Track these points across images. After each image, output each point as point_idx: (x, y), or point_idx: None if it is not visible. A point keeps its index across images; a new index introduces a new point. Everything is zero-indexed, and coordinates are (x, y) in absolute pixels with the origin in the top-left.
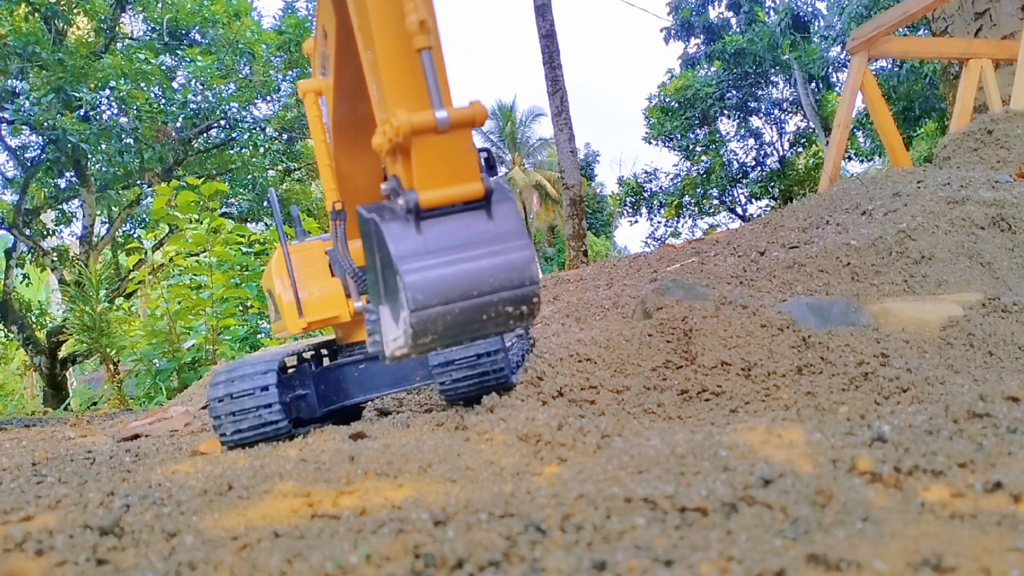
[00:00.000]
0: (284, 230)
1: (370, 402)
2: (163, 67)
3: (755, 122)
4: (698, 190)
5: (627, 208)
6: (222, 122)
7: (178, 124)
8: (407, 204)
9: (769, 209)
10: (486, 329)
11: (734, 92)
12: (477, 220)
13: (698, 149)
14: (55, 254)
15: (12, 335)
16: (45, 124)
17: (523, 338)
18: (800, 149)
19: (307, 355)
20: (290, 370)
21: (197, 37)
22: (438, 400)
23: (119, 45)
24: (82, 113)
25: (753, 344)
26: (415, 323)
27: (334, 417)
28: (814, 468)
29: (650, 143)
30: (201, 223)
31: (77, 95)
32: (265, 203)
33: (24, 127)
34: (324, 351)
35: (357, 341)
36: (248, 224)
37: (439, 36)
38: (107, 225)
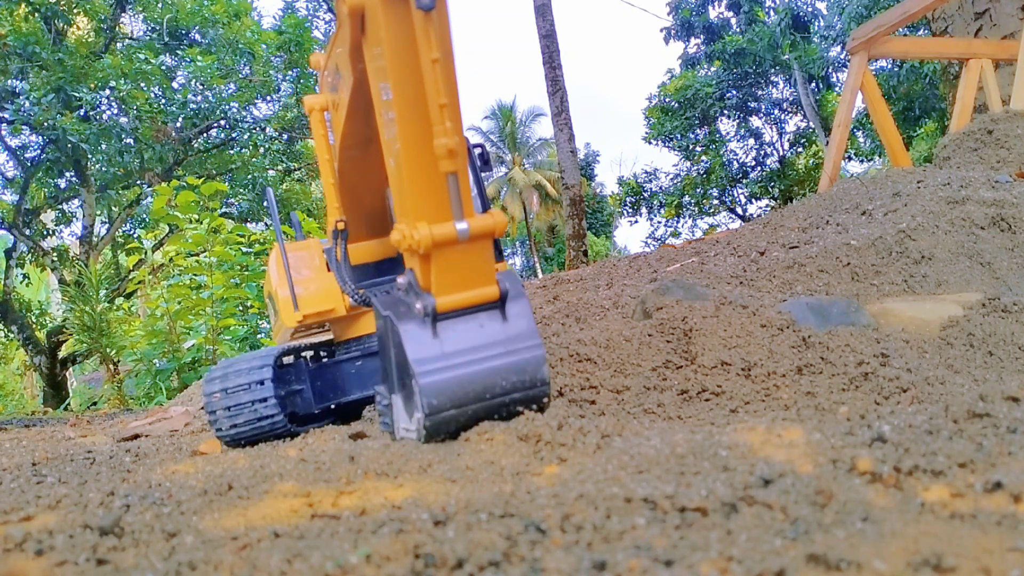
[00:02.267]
0: (282, 228)
1: (368, 401)
2: (163, 67)
3: (755, 122)
4: (698, 190)
5: (627, 208)
6: (222, 122)
7: (178, 124)
8: (425, 309)
9: (769, 209)
10: (495, 417)
11: (734, 92)
12: (491, 321)
13: (698, 149)
14: (55, 254)
15: (12, 335)
16: (45, 124)
17: None
18: (800, 149)
19: (304, 352)
20: (286, 365)
21: (197, 37)
22: None
23: (119, 45)
24: (82, 113)
25: (753, 344)
26: (429, 426)
27: (332, 415)
28: (814, 468)
29: (650, 143)
30: (201, 223)
31: (77, 95)
32: (264, 203)
33: (24, 127)
34: (322, 351)
35: (354, 338)
36: (248, 224)
37: (465, 156)
38: (107, 225)
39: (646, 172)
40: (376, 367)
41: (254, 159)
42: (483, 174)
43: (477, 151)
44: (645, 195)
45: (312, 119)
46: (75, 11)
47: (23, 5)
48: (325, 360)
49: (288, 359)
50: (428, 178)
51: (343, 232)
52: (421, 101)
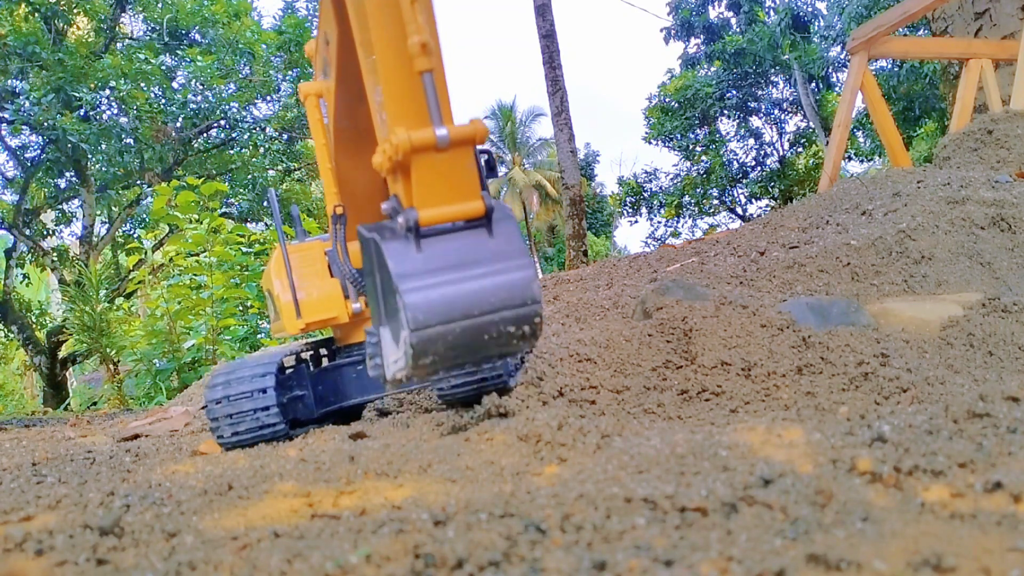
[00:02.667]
0: (284, 230)
1: (369, 403)
2: (163, 67)
3: (755, 122)
4: (698, 190)
5: (627, 208)
6: (222, 122)
7: (178, 124)
8: (407, 222)
9: (769, 209)
10: (488, 351)
11: (734, 92)
12: (478, 239)
13: (698, 149)
14: (55, 254)
15: (12, 335)
16: (45, 124)
17: None
18: (800, 149)
19: (305, 355)
20: (288, 370)
21: (197, 37)
22: (438, 400)
23: (119, 45)
24: (82, 113)
25: (753, 344)
26: (415, 343)
27: (332, 418)
28: (814, 468)
29: (650, 143)
30: (201, 223)
31: (77, 95)
32: (265, 203)
33: (24, 127)
34: (323, 351)
35: (355, 342)
36: (248, 224)
37: (441, 55)
38: (107, 225)
39: (646, 172)
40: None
41: (254, 159)
42: (489, 180)
43: (484, 156)
44: (645, 195)
45: (307, 105)
46: (75, 11)
47: (23, 5)
48: (327, 365)
49: (290, 361)
50: (405, 82)
51: (341, 217)
52: (395, 9)
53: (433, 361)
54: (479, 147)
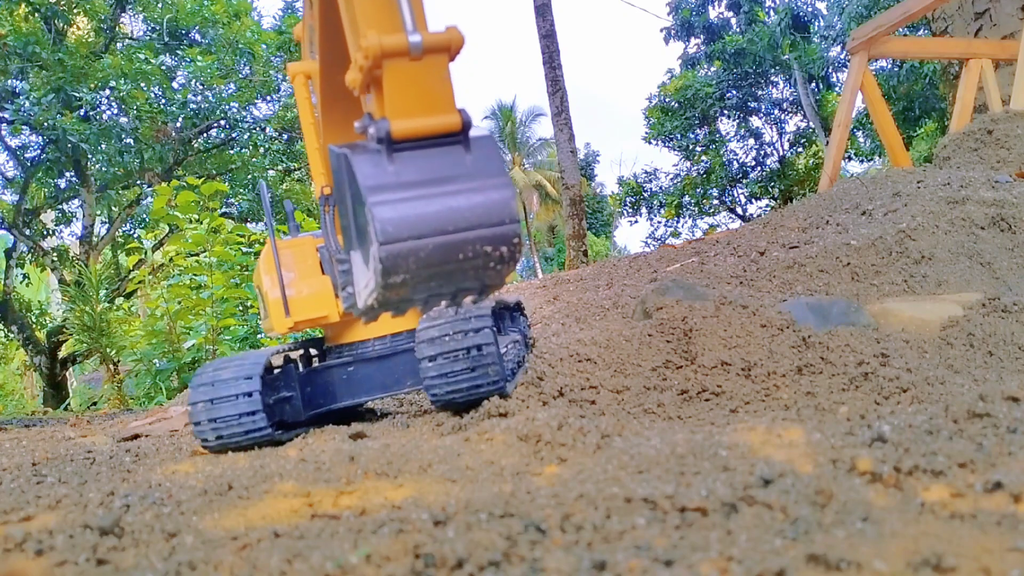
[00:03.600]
0: (274, 224)
1: (360, 407)
2: (163, 67)
3: (755, 122)
4: (698, 190)
5: (627, 208)
6: (222, 122)
7: (178, 124)
8: (378, 133)
9: (769, 209)
10: (464, 274)
11: (734, 92)
12: (453, 155)
13: (698, 149)
14: (55, 254)
15: (12, 335)
16: (45, 124)
17: (520, 343)
18: (800, 149)
19: (294, 355)
20: (275, 371)
21: (197, 37)
22: (432, 404)
23: (119, 45)
24: (82, 113)
25: (753, 344)
26: (384, 257)
27: (321, 422)
28: (814, 468)
29: (650, 143)
30: (201, 223)
31: (77, 95)
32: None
33: (24, 127)
34: (313, 350)
35: (347, 342)
36: (248, 224)
37: None
38: (107, 225)
39: (646, 172)
40: (369, 372)
41: (254, 159)
42: None
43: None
44: (645, 195)
45: (295, 84)
46: (75, 11)
47: (23, 5)
48: (316, 365)
49: (278, 362)
50: None
51: (330, 198)
52: None
53: (404, 281)
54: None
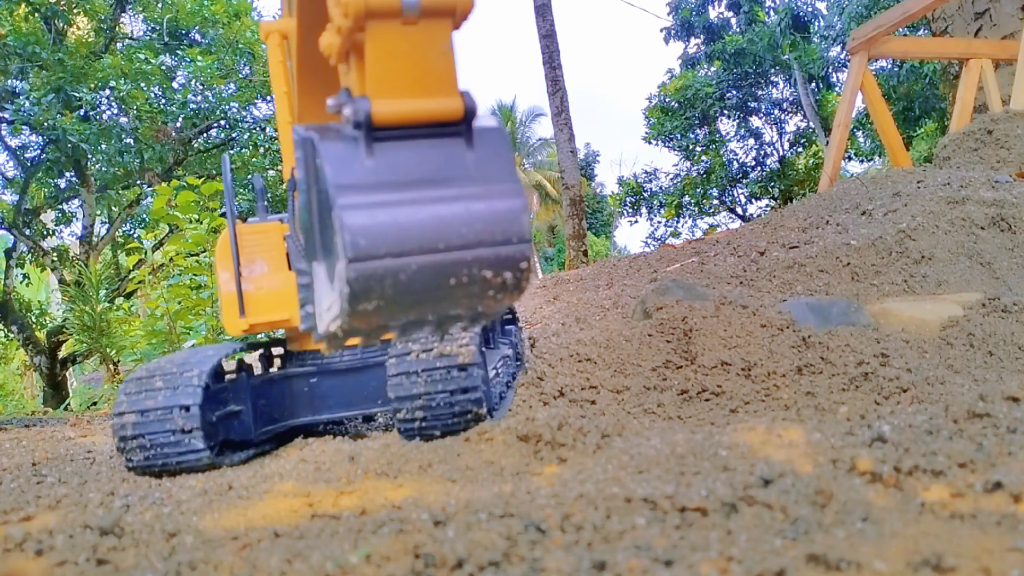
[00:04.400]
0: (235, 207)
1: (323, 426)
2: (163, 67)
3: (755, 122)
4: (698, 190)
5: (627, 208)
6: (222, 122)
7: (178, 124)
8: (355, 115)
9: (769, 209)
10: (455, 304)
11: (734, 92)
12: (451, 149)
13: (698, 149)
14: (55, 254)
15: (12, 335)
16: (45, 124)
17: (510, 361)
18: (800, 149)
19: (251, 357)
20: (223, 381)
21: (197, 37)
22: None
23: (119, 45)
24: (82, 113)
25: (753, 344)
26: (353, 279)
27: (275, 442)
28: (814, 468)
29: (650, 143)
30: (201, 223)
31: (77, 95)
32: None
33: (24, 127)
34: (278, 350)
35: (311, 350)
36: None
37: None
38: (107, 225)
39: (646, 172)
40: (335, 385)
41: (254, 159)
42: None
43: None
44: (645, 195)
45: (269, 44)
46: (75, 11)
47: (23, 5)
48: (273, 374)
49: (228, 368)
50: None
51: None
52: None
53: (378, 308)
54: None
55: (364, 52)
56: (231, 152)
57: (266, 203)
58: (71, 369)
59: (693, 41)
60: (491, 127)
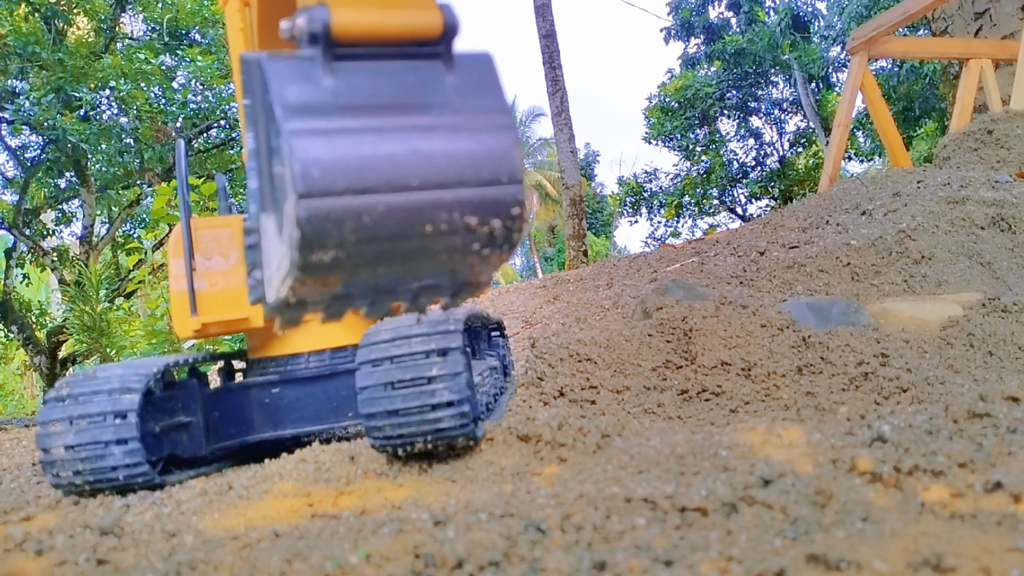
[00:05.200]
0: (188, 195)
1: (285, 442)
2: (163, 67)
3: (755, 122)
4: (698, 190)
5: (627, 208)
6: (222, 122)
7: (178, 124)
8: (310, 25)
9: (769, 209)
10: (432, 261)
11: (734, 92)
12: (427, 72)
13: (698, 149)
14: (55, 254)
15: (12, 335)
16: (45, 124)
17: (497, 372)
18: (800, 149)
19: (201, 367)
20: (170, 387)
21: (197, 37)
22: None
23: (119, 45)
24: (82, 113)
25: (753, 344)
26: (304, 219)
27: (231, 460)
28: (814, 468)
29: (650, 143)
30: None
31: (77, 95)
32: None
33: (24, 127)
34: (239, 363)
35: (273, 355)
36: None
37: None
38: (107, 225)
39: (646, 172)
40: (300, 397)
41: None
42: None
43: None
44: (645, 195)
45: (227, 11)
46: (75, 11)
47: (23, 5)
48: (229, 384)
49: (174, 375)
50: None
51: None
52: None
53: (336, 261)
54: None
55: None
56: (231, 152)
57: (230, 202)
58: (71, 369)
59: (693, 41)
60: (477, 53)
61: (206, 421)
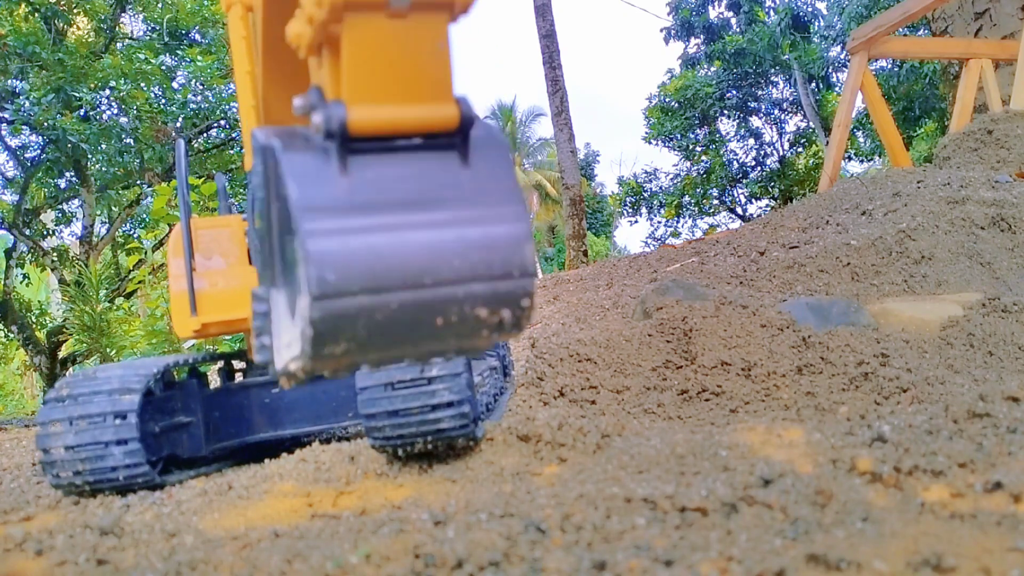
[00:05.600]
0: (189, 195)
1: (284, 442)
2: (163, 67)
3: (755, 122)
4: (698, 190)
5: (627, 208)
6: (222, 122)
7: (178, 124)
8: (327, 124)
9: (769, 209)
10: (441, 343)
11: (734, 92)
12: (443, 164)
13: (698, 149)
14: (55, 254)
15: (12, 335)
16: (45, 124)
17: (497, 372)
18: (800, 149)
19: (202, 368)
20: (170, 387)
21: (197, 37)
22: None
23: (119, 45)
24: (82, 113)
25: (753, 344)
26: (318, 319)
27: (232, 460)
28: (814, 468)
29: (650, 143)
30: None
31: (77, 95)
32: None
33: (24, 127)
34: (240, 363)
35: None
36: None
37: None
38: (107, 225)
39: (646, 172)
40: (301, 397)
41: None
42: None
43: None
44: (645, 195)
45: (230, 16)
46: (75, 11)
47: (23, 5)
48: (229, 384)
49: (174, 375)
50: None
51: None
52: None
53: (348, 351)
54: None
55: (340, 48)
56: (231, 152)
57: (230, 202)
58: (71, 369)
59: (693, 41)
60: (490, 138)
61: (206, 421)
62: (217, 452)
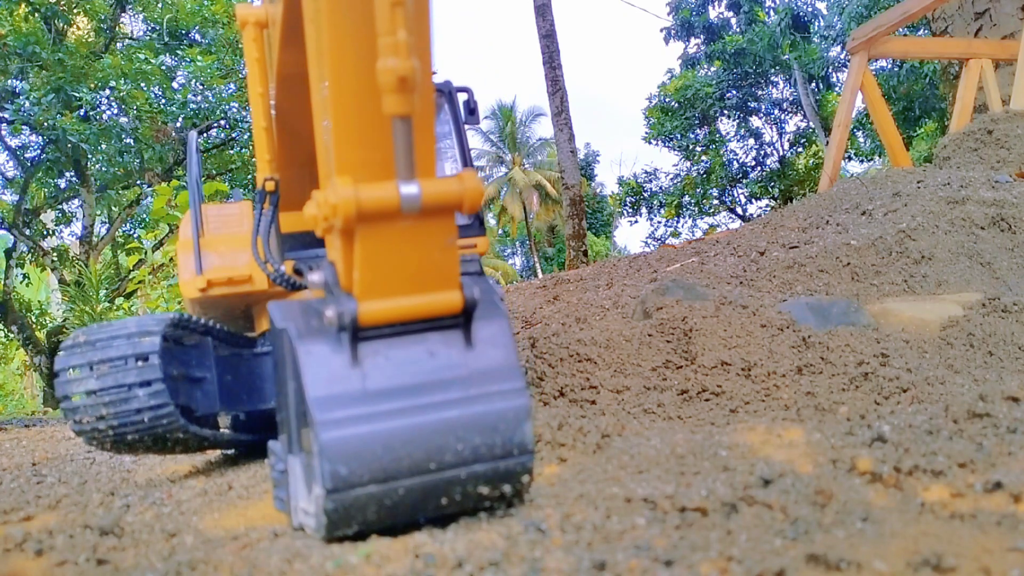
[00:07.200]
0: (199, 178)
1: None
2: (163, 67)
3: (755, 122)
4: (698, 190)
5: (627, 208)
6: (222, 122)
7: (178, 124)
8: (340, 320)
9: (769, 209)
10: (443, 510)
11: (734, 92)
12: (447, 346)
13: (698, 149)
14: (55, 254)
15: (12, 335)
16: (45, 124)
17: None
18: (800, 149)
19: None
20: (184, 342)
21: (197, 37)
22: None
23: (119, 45)
24: (82, 113)
25: (753, 344)
26: (331, 510)
27: (245, 430)
28: (814, 468)
29: (650, 143)
30: None
31: (77, 95)
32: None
33: (24, 127)
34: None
35: None
36: None
37: (428, 93)
38: (107, 225)
39: (646, 172)
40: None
41: (254, 159)
42: (469, 127)
43: (462, 97)
44: (645, 195)
45: (245, 36)
46: (75, 11)
47: (23, 5)
48: (243, 351)
49: (188, 332)
50: (365, 121)
51: (272, 194)
52: (366, 9)
53: (359, 527)
54: (456, 86)
55: (354, 245)
56: (231, 152)
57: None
58: None
59: (693, 41)
60: (493, 317)
61: (219, 381)
62: (230, 413)
